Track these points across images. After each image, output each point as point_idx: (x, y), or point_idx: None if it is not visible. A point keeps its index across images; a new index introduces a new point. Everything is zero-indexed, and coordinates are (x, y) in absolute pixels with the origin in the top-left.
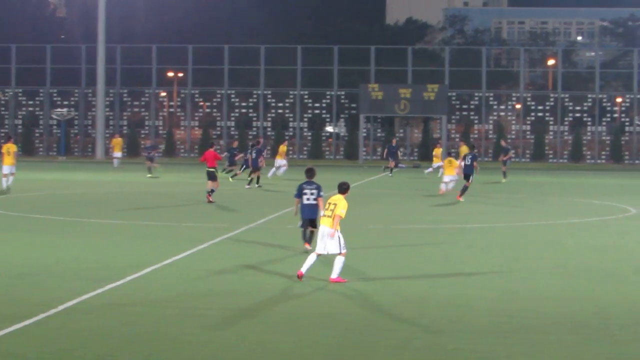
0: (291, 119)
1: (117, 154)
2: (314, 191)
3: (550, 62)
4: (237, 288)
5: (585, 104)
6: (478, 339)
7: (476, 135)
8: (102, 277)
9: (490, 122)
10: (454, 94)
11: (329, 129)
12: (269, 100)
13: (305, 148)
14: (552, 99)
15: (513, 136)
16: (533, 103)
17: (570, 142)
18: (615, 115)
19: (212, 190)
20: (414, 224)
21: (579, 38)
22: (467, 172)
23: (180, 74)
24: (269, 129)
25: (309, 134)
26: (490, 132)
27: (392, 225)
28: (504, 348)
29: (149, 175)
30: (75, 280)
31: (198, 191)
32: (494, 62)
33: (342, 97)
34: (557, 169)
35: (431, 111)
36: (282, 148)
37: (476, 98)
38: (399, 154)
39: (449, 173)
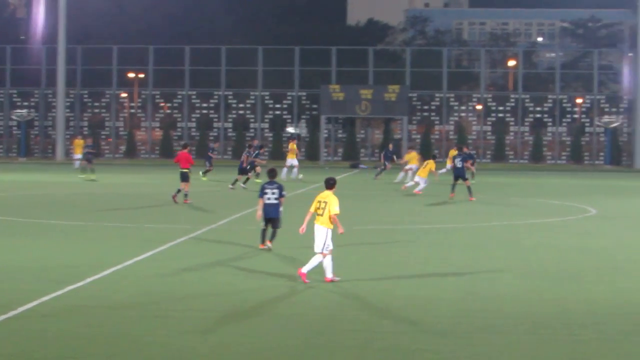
0: (252, 120)
1: (78, 155)
2: (275, 191)
3: (511, 63)
4: (198, 289)
5: (545, 104)
6: (439, 339)
7: (437, 136)
8: (63, 279)
9: (451, 122)
10: (415, 94)
11: (290, 129)
12: (229, 101)
13: (266, 149)
14: (512, 100)
15: (474, 137)
16: (494, 104)
17: (530, 143)
18: (576, 116)
19: (186, 194)
20: (375, 225)
21: (540, 39)
22: (458, 174)
23: (141, 75)
24: (229, 130)
25: (270, 134)
26: (451, 133)
27: (354, 226)
28: (465, 349)
29: (90, 177)
30: (35, 281)
31: (159, 192)
32: (454, 63)
33: (303, 98)
34: (518, 169)
35: (392, 112)
36: (292, 146)
37: (437, 99)
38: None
39: (422, 175)
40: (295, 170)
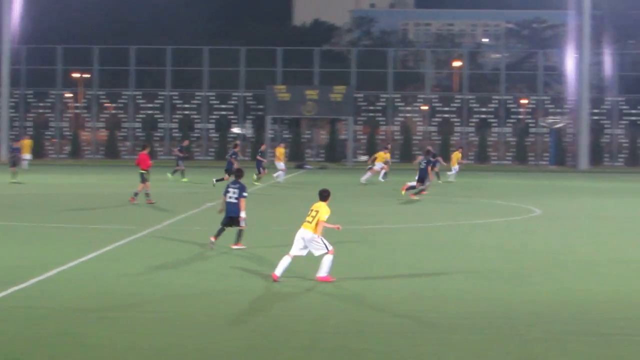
0: (198, 120)
1: (26, 156)
2: (236, 191)
3: (456, 63)
4: (141, 289)
5: (490, 105)
6: (384, 339)
7: (383, 136)
8: (6, 279)
9: (397, 123)
10: (360, 95)
11: (236, 130)
12: (175, 101)
13: (211, 149)
14: (457, 101)
15: (419, 137)
16: (439, 104)
17: (475, 143)
18: (520, 116)
19: (136, 194)
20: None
21: (485, 40)
22: (422, 175)
23: (86, 75)
24: (175, 130)
25: (216, 135)
26: (397, 133)
27: (299, 226)
28: (410, 348)
29: (14, 180)
30: None
31: (104, 193)
32: (400, 64)
33: (249, 98)
34: (463, 169)
35: (338, 112)
36: (280, 150)
37: (382, 99)
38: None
39: None
40: (281, 173)
